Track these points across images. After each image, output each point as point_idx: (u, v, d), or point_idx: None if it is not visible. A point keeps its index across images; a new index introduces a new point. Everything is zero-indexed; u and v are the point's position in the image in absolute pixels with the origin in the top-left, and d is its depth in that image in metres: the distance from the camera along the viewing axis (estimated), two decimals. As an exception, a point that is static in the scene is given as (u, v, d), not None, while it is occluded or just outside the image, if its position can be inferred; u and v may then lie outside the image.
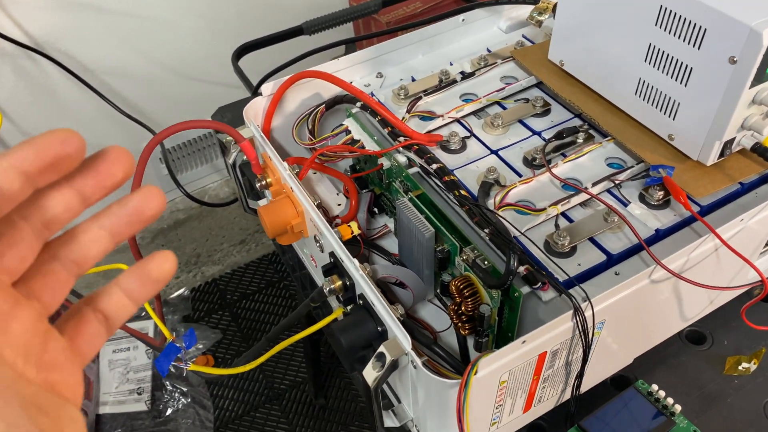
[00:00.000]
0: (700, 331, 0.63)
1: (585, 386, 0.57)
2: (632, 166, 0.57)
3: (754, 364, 0.59)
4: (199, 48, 1.27)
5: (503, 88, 0.65)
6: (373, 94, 0.68)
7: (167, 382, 1.38)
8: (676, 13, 0.50)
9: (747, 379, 0.59)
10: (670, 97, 0.54)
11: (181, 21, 1.22)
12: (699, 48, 0.50)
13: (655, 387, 0.57)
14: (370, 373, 0.46)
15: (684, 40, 0.51)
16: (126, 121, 1.20)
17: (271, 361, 1.44)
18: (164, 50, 1.24)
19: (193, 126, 0.58)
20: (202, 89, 1.32)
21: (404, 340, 0.45)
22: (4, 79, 1.10)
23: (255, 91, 0.95)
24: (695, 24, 0.49)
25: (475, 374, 0.43)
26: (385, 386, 0.57)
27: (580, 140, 0.60)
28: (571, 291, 0.46)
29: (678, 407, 0.55)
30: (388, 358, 0.45)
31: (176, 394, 1.37)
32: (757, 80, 0.48)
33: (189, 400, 1.37)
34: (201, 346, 1.48)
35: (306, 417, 1.36)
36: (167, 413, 1.35)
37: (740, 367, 0.59)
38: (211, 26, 1.26)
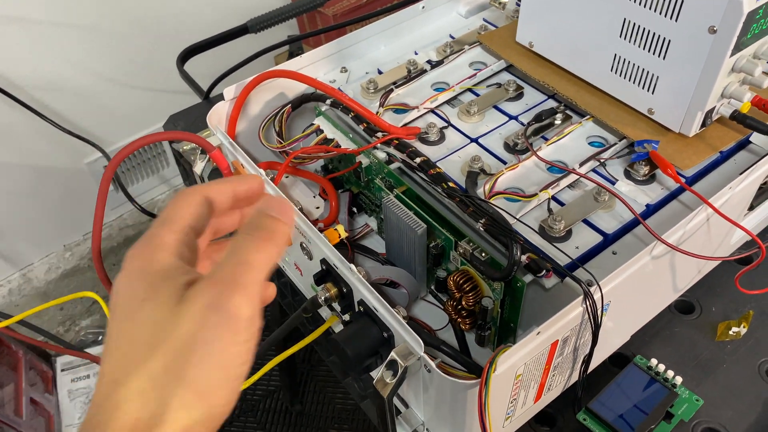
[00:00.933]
0: (688, 300, 0.63)
1: (589, 369, 0.57)
2: (615, 144, 0.56)
3: (744, 327, 0.60)
4: (137, 54, 1.21)
5: (474, 75, 0.64)
6: (340, 90, 0.66)
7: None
8: (650, -14, 0.50)
9: (739, 343, 0.60)
10: (648, 71, 0.54)
11: (114, 27, 1.16)
12: (676, 20, 0.50)
13: (654, 361, 0.57)
14: (383, 384, 0.44)
15: (661, 13, 0.50)
16: (63, 136, 1.13)
17: (241, 372, 1.40)
18: (99, 59, 1.17)
19: (156, 139, 0.54)
20: (144, 97, 1.26)
21: (416, 344, 0.43)
22: (-75, 102, 1.02)
23: (207, 96, 0.91)
24: (671, -5, 0.49)
25: (494, 372, 0.41)
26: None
27: (558, 121, 0.60)
28: (575, 275, 0.46)
29: (679, 379, 0.56)
30: (401, 365, 0.43)
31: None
32: (737, 48, 0.48)
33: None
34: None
35: (284, 425, 1.33)
36: (137, 438, 1.30)
37: (731, 332, 0.60)
38: (147, 30, 1.20)
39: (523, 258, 0.47)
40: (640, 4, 0.51)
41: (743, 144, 0.58)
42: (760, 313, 0.62)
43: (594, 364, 0.57)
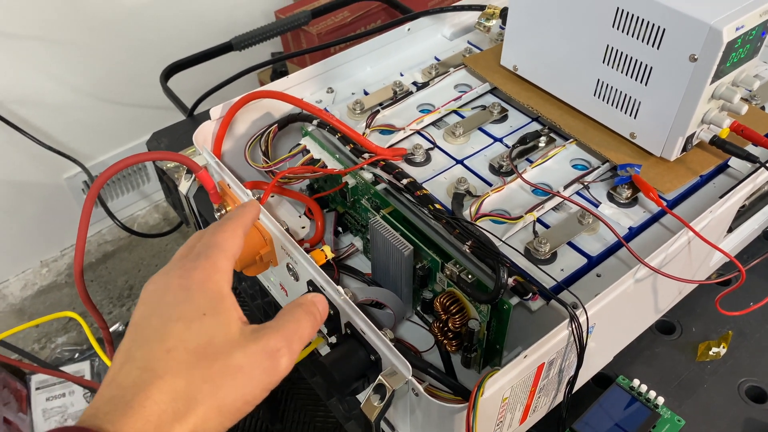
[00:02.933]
0: (669, 321, 0.64)
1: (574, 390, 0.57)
2: (598, 167, 0.57)
3: (723, 348, 0.61)
4: (119, 70, 1.20)
5: (460, 97, 0.65)
6: (327, 110, 0.66)
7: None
8: (633, 15, 0.51)
9: (719, 363, 0.61)
10: (630, 97, 0.55)
11: (96, 43, 1.15)
12: (658, 48, 0.51)
13: (636, 381, 0.58)
14: (371, 408, 0.43)
15: (643, 41, 0.51)
16: (44, 152, 1.12)
17: (221, 390, 1.38)
18: (80, 75, 1.16)
19: (144, 159, 0.54)
20: (125, 112, 1.25)
21: (404, 368, 0.43)
22: None
23: (191, 113, 0.91)
24: (654, 24, 0.50)
25: (482, 395, 0.42)
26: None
27: (542, 144, 0.60)
28: (560, 297, 0.46)
29: (661, 399, 0.56)
30: (389, 389, 0.43)
31: (121, 437, 1.29)
32: (717, 76, 0.49)
33: (135, 441, 1.29)
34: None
35: (263, 444, 1.31)
36: (113, 458, 1.27)
37: (711, 353, 0.61)
38: (130, 47, 1.19)
39: (510, 280, 0.47)
40: (623, 31, 0.53)
41: (722, 168, 0.59)
42: (738, 334, 0.63)
43: (578, 384, 0.58)
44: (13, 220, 1.23)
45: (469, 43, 0.75)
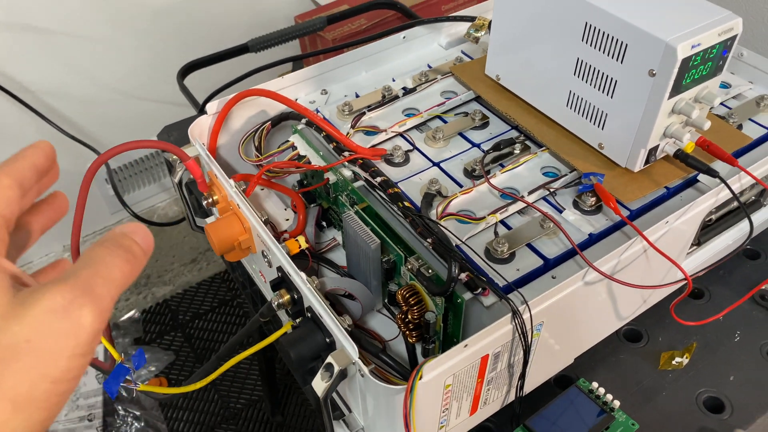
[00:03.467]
0: (636, 329, 0.66)
1: (529, 386, 0.59)
2: (566, 175, 0.60)
3: (686, 358, 0.62)
4: (142, 67, 1.26)
5: (443, 103, 0.68)
6: (318, 111, 0.70)
7: (119, 407, 1.35)
8: (600, 30, 0.53)
9: (680, 372, 0.62)
10: (598, 108, 0.57)
11: (122, 40, 1.21)
12: (622, 62, 0.53)
13: (595, 384, 0.59)
14: (319, 384, 0.47)
15: (608, 55, 0.54)
16: (68, 142, 1.18)
17: (226, 380, 1.43)
18: (106, 70, 1.23)
19: (136, 146, 0.58)
20: (146, 108, 1.31)
21: (351, 349, 0.46)
22: (-62, 101, 1.07)
23: (201, 109, 0.96)
24: (618, 40, 0.52)
25: (420, 379, 0.44)
26: (335, 396, 0.58)
27: (517, 151, 0.63)
28: (510, 296, 0.48)
29: (617, 403, 0.58)
30: (336, 368, 0.46)
31: (129, 419, 1.35)
32: (675, 91, 0.51)
33: (142, 424, 1.35)
34: (153, 369, 1.45)
35: (263, 435, 1.35)
36: (120, 439, 1.33)
37: (674, 362, 0.62)
38: (154, 45, 1.25)
39: (463, 276, 0.50)
40: (591, 45, 0.55)
41: (691, 182, 0.60)
42: (703, 346, 0.64)
43: (537, 383, 0.60)
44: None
45: (462, 52, 0.78)
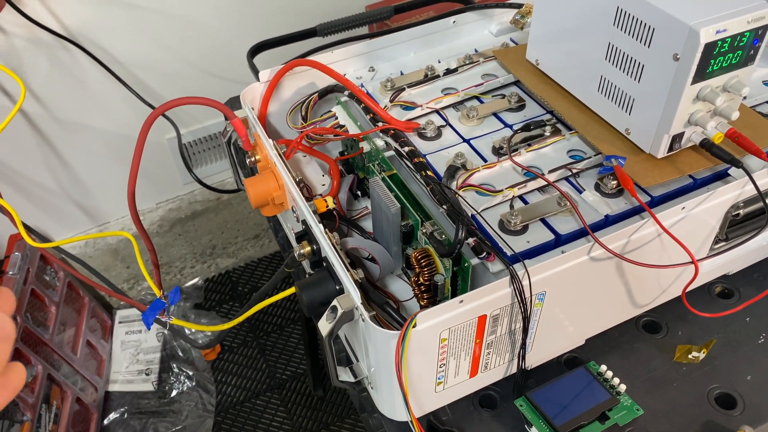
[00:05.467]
0: (656, 320, 0.65)
1: (536, 361, 0.61)
2: (590, 157, 0.60)
3: (703, 353, 0.62)
4: (222, 47, 1.34)
5: (481, 84, 0.70)
6: (362, 86, 0.73)
7: (174, 365, 1.44)
8: (630, 14, 0.54)
9: (695, 366, 0.61)
10: (626, 93, 0.58)
11: (207, 21, 1.29)
12: (649, 46, 0.54)
13: (604, 368, 0.60)
14: (324, 325, 0.50)
15: (637, 39, 0.55)
16: (149, 111, 1.28)
17: (275, 351, 1.49)
18: (189, 47, 1.31)
19: (189, 102, 0.64)
20: (221, 85, 1.39)
21: (355, 294, 0.49)
22: (40, 66, 1.18)
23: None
24: (645, 23, 0.53)
25: (413, 327, 0.47)
26: (345, 345, 0.61)
27: (547, 133, 0.64)
28: (517, 265, 0.50)
29: (623, 387, 0.58)
30: (340, 311, 0.49)
31: (182, 377, 1.43)
32: (699, 76, 0.51)
33: (194, 383, 1.43)
34: (210, 334, 1.54)
35: (304, 407, 1.40)
36: (172, 395, 1.41)
37: (690, 356, 0.62)
38: (234, 27, 1.33)
39: (470, 240, 0.52)
40: (622, 29, 0.56)
41: (721, 175, 0.60)
42: (724, 344, 0.63)
43: (544, 358, 0.61)
44: (120, 168, 1.41)
45: (510, 40, 0.79)
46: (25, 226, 0.91)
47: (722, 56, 0.51)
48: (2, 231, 1.35)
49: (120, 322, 1.52)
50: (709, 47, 0.50)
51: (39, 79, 1.20)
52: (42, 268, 1.30)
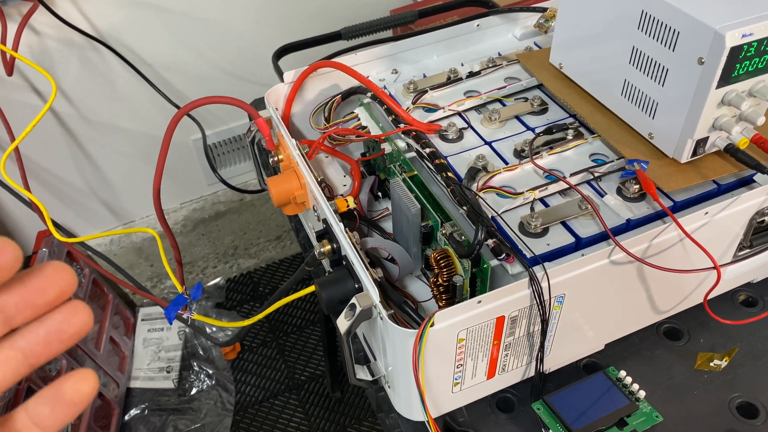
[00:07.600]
0: (677, 327, 0.65)
1: (554, 364, 0.60)
2: (613, 161, 0.60)
3: (726, 361, 0.61)
4: (248, 50, 1.36)
5: (504, 87, 0.70)
6: (385, 88, 0.74)
7: (195, 363, 1.45)
8: (654, 17, 0.54)
9: (716, 375, 0.61)
10: (649, 97, 0.57)
11: (234, 24, 1.31)
12: (674, 50, 0.53)
13: (623, 373, 0.59)
14: (343, 322, 0.51)
15: (661, 43, 0.54)
16: (176, 112, 1.30)
17: (294, 352, 1.50)
18: (217, 50, 1.33)
19: (213, 101, 0.65)
20: (247, 88, 1.40)
21: (374, 293, 0.49)
22: (71, 66, 1.21)
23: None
24: (670, 27, 0.53)
25: (431, 326, 0.47)
26: (363, 344, 0.62)
27: (569, 137, 0.64)
28: (536, 268, 0.50)
29: (643, 393, 0.58)
30: (358, 308, 0.50)
31: (202, 376, 1.45)
32: (725, 81, 0.51)
33: (213, 382, 1.44)
34: (230, 332, 1.55)
35: (322, 409, 1.41)
36: (192, 392, 1.43)
37: (712, 364, 0.61)
38: (262, 30, 1.35)
39: (490, 242, 0.52)
40: (646, 33, 0.56)
41: (746, 181, 0.59)
42: (747, 352, 0.62)
43: (563, 362, 0.61)
44: (146, 168, 1.43)
45: (534, 44, 0.79)
46: (53, 222, 0.93)
47: (748, 60, 0.51)
48: (30, 228, 1.38)
49: (143, 320, 1.54)
50: (735, 51, 0.49)
51: (69, 79, 1.22)
52: (68, 265, 1.32)
